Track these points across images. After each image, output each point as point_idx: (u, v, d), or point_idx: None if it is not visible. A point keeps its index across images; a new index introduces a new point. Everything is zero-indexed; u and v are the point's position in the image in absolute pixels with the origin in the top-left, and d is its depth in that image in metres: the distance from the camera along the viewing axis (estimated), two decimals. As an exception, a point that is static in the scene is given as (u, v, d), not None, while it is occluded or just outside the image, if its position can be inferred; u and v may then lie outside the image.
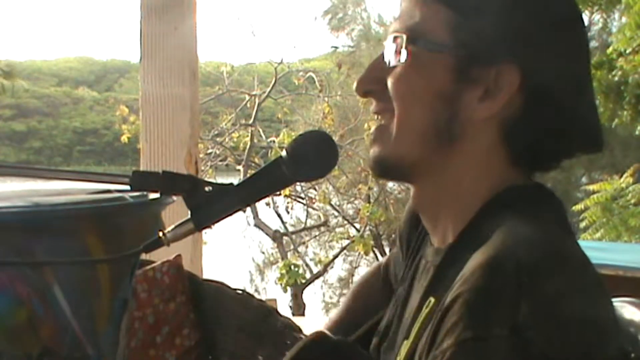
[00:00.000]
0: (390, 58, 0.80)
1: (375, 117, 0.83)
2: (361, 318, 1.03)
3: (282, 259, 8.86)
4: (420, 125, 0.78)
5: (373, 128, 0.84)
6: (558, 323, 0.60)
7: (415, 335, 0.73)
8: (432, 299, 0.74)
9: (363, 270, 10.20)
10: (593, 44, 8.70)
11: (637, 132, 5.64)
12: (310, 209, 9.65)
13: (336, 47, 10.84)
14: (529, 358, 0.59)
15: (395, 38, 0.79)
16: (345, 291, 9.72)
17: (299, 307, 8.53)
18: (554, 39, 0.77)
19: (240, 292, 1.61)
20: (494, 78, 0.75)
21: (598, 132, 0.80)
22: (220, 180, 1.28)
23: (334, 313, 1.12)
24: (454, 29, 0.76)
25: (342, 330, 1.01)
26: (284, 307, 8.24)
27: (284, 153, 0.84)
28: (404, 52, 0.78)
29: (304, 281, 8.47)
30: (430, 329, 0.67)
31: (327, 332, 0.84)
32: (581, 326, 0.61)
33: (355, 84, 0.84)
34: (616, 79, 5.23)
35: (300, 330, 1.16)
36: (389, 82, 0.79)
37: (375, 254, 9.47)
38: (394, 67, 0.79)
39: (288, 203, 9.32)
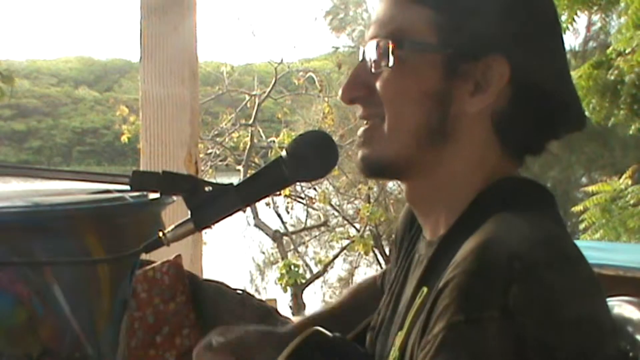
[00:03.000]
0: (374, 63, 0.80)
1: (364, 122, 0.83)
2: (348, 319, 1.03)
3: (282, 259, 8.86)
4: (413, 126, 0.78)
5: (360, 131, 0.83)
6: (550, 309, 0.60)
7: (408, 326, 0.74)
8: (424, 289, 0.74)
9: (363, 270, 10.16)
10: (592, 44, 8.69)
11: (631, 132, 5.65)
12: (310, 209, 9.65)
13: (337, 48, 10.83)
14: (520, 341, 0.59)
15: (377, 42, 0.79)
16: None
17: (299, 307, 8.53)
18: (537, 28, 0.78)
19: (240, 292, 1.61)
20: (482, 72, 0.76)
21: (580, 110, 0.82)
22: (220, 180, 1.28)
23: (315, 311, 1.12)
24: (438, 28, 0.76)
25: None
26: (284, 307, 8.24)
27: (284, 153, 0.84)
28: (390, 57, 0.78)
29: (304, 281, 8.47)
30: (423, 316, 0.68)
31: (322, 329, 0.84)
32: (575, 316, 0.62)
33: (340, 92, 0.84)
34: (612, 78, 5.23)
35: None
36: (378, 86, 0.79)
37: (375, 254, 9.47)
38: (380, 72, 0.79)
39: (288, 203, 9.32)
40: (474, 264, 0.63)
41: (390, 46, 0.77)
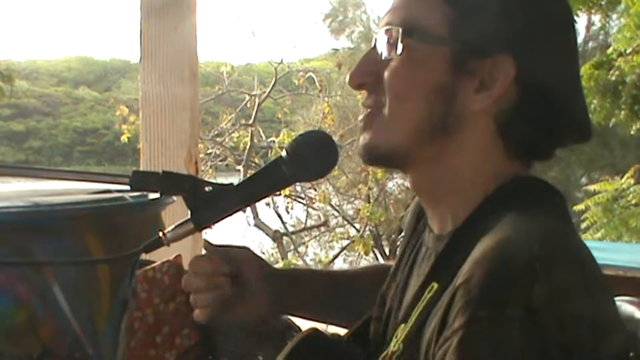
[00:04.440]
0: (384, 51, 0.80)
1: (367, 110, 0.83)
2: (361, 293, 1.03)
3: (282, 259, 8.86)
4: (415, 117, 0.78)
5: (362, 115, 0.83)
6: (570, 310, 0.61)
7: (415, 320, 0.73)
8: (435, 285, 0.74)
9: (363, 271, 10.17)
10: (592, 44, 8.69)
11: (632, 132, 5.65)
12: (310, 209, 9.64)
13: (336, 49, 10.84)
14: (541, 340, 0.59)
15: (389, 31, 0.79)
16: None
17: (299, 307, 8.52)
18: (548, 32, 0.78)
19: (240, 292, 1.61)
20: (489, 70, 0.76)
21: (587, 121, 0.82)
22: (220, 180, 1.28)
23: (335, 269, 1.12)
24: (450, 22, 0.76)
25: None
26: (284, 307, 8.22)
27: (284, 153, 0.84)
28: (399, 45, 0.78)
29: (304, 281, 8.46)
30: (439, 312, 0.67)
31: (320, 329, 0.84)
32: (591, 315, 0.62)
33: (348, 77, 0.84)
34: (613, 78, 5.24)
35: (300, 330, 1.16)
36: (385, 75, 0.79)
37: (375, 254, 9.46)
38: (389, 60, 0.79)
39: (288, 203, 9.32)
40: (495, 261, 0.63)
41: (400, 34, 0.78)
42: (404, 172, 0.86)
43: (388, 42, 0.79)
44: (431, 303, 0.72)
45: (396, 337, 0.76)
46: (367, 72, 0.82)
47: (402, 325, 0.76)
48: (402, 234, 1.06)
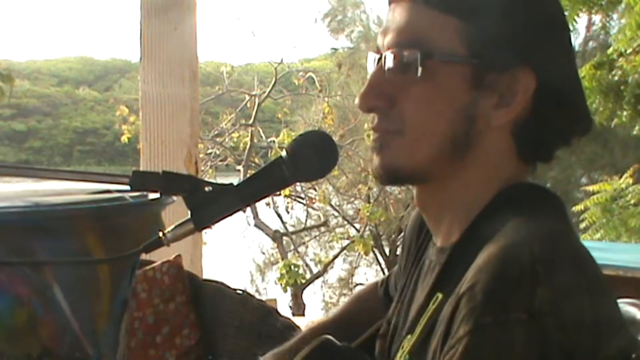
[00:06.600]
0: (397, 72, 0.77)
1: (378, 133, 0.81)
2: (350, 328, 1.03)
3: (282, 259, 8.86)
4: (438, 139, 0.77)
5: (376, 135, 0.81)
6: (572, 313, 0.61)
7: (421, 330, 0.74)
8: (439, 295, 0.74)
9: (363, 271, 10.17)
10: (592, 44, 8.69)
11: (635, 132, 5.64)
12: (310, 209, 9.64)
13: (336, 49, 10.83)
14: (545, 343, 0.60)
15: (401, 51, 0.77)
16: (345, 291, 9.73)
17: (299, 307, 8.53)
18: (558, 38, 0.79)
19: (240, 292, 1.61)
20: (508, 84, 0.75)
21: (588, 115, 0.83)
22: (220, 180, 1.28)
23: (319, 320, 1.12)
24: (466, 39, 0.75)
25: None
26: (284, 307, 8.24)
27: (284, 153, 0.84)
28: (419, 68, 0.75)
29: (304, 281, 8.47)
30: (444, 320, 0.67)
31: (332, 338, 0.84)
32: (594, 317, 0.63)
33: (357, 100, 0.81)
34: (616, 78, 5.23)
35: (300, 330, 1.16)
36: (401, 97, 0.77)
37: (375, 254, 9.47)
38: (404, 82, 0.77)
39: (288, 203, 9.32)
40: (498, 267, 0.63)
41: (419, 56, 0.75)
42: (415, 187, 0.85)
43: (402, 63, 0.76)
44: (436, 313, 0.72)
45: (402, 348, 0.76)
46: (377, 95, 0.80)
47: (408, 337, 0.76)
48: (402, 234, 1.06)
